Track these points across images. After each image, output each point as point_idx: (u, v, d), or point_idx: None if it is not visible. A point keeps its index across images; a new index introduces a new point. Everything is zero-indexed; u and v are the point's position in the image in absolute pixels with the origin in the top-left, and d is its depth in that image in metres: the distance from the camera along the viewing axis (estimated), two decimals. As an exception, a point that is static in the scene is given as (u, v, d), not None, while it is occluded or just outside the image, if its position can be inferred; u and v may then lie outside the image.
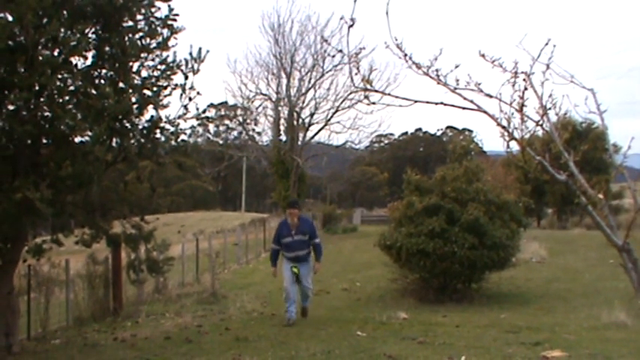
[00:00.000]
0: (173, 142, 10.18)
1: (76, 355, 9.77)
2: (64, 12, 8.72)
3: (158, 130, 9.91)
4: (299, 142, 39.92)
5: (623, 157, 3.32)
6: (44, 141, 9.21)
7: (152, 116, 9.80)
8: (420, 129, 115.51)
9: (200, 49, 9.97)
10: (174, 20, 9.69)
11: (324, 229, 44.34)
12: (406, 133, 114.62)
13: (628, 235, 3.00)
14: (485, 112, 3.09)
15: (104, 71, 9.50)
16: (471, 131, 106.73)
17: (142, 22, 9.56)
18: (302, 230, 12.20)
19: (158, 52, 9.73)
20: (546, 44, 3.05)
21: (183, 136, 10.47)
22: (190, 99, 9.99)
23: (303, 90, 39.48)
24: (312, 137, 41.33)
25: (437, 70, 3.03)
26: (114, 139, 9.55)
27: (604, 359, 8.26)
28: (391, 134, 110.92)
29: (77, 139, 9.27)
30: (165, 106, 9.82)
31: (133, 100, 9.42)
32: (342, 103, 39.22)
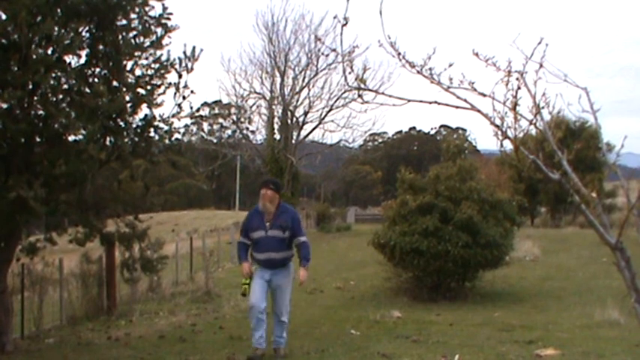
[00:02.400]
0: (167, 141, 10.18)
1: (69, 354, 9.75)
2: (58, 10, 8.70)
3: (152, 129, 9.91)
4: (293, 141, 39.96)
5: (616, 156, 3.34)
6: (38, 139, 9.19)
7: (146, 115, 9.79)
8: (413, 127, 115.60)
9: (194, 47, 9.98)
10: (168, 19, 9.68)
11: (317, 228, 44.35)
12: (400, 131, 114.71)
13: (621, 233, 3.02)
14: (478, 110, 3.10)
15: (98, 70, 9.49)
16: (464, 130, 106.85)
17: (136, 21, 9.55)
18: (280, 223, 8.81)
19: (152, 51, 9.71)
20: (539, 43, 3.08)
21: (177, 135, 10.50)
22: (184, 97, 9.98)
23: (297, 89, 39.55)
24: (306, 136, 41.43)
25: (430, 69, 3.06)
26: (108, 138, 9.55)
27: (597, 357, 8.29)
28: (385, 133, 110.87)
29: (71, 138, 9.26)
30: (159, 105, 9.82)
31: (127, 98, 9.41)
32: (336, 101, 39.32)
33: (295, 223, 9.01)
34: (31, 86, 8.55)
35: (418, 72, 3.42)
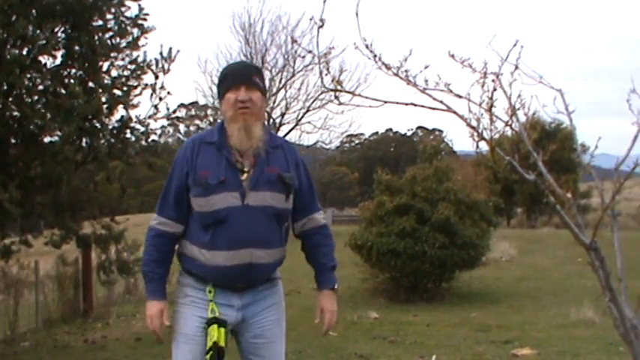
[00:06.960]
0: (143, 142, 10.13)
1: (45, 357, 9.67)
2: (33, 10, 8.63)
3: (128, 130, 9.86)
4: (270, 143, 39.90)
5: (591, 157, 3.37)
6: (13, 141, 9.12)
7: (122, 116, 9.73)
8: (390, 129, 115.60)
9: (170, 48, 9.95)
10: (145, 20, 9.64)
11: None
12: (377, 133, 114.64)
13: (595, 233, 3.05)
14: (454, 112, 3.10)
15: (73, 71, 9.43)
16: (441, 131, 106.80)
17: (112, 22, 9.50)
18: (279, 173, 3.56)
19: (128, 52, 9.67)
20: (515, 45, 3.08)
21: (153, 136, 10.46)
22: (161, 99, 9.94)
23: (274, 90, 39.43)
24: (283, 137, 41.36)
25: (406, 71, 3.05)
26: (83, 139, 9.48)
27: (572, 356, 8.36)
28: (362, 134, 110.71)
29: (46, 139, 9.20)
30: (135, 106, 9.77)
31: (103, 99, 9.35)
32: (312, 103, 39.28)
33: (304, 172, 3.88)
34: (5, 87, 8.48)
35: (394, 74, 3.43)
